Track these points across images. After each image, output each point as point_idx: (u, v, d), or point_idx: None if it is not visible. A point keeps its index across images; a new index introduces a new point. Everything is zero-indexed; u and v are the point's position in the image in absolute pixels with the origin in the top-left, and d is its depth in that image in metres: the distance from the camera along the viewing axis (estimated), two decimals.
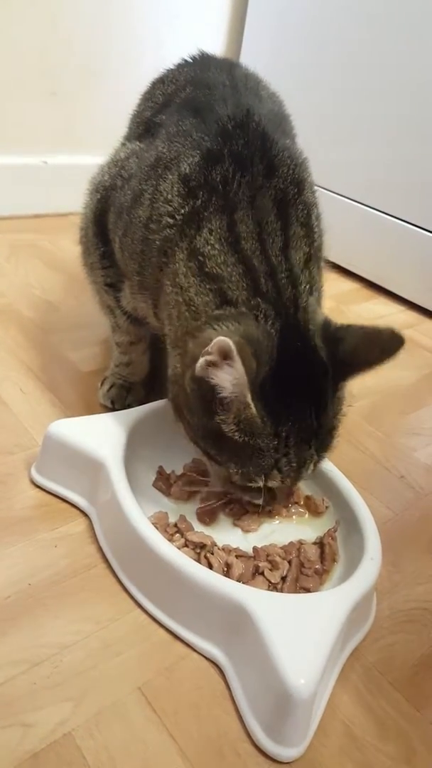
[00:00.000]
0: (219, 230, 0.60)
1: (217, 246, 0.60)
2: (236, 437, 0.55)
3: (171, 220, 0.62)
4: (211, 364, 0.53)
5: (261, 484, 0.57)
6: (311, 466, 0.59)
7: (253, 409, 0.54)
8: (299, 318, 0.59)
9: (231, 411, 0.54)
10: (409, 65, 1.28)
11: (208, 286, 0.59)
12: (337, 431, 0.60)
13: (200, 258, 0.60)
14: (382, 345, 0.56)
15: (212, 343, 0.52)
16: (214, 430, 0.56)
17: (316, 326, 0.59)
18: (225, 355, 0.51)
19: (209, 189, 0.61)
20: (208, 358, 0.53)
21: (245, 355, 0.51)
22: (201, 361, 0.53)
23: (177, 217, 0.62)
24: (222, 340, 0.51)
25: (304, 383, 0.56)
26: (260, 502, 0.61)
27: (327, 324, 0.60)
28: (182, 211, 0.62)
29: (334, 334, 0.58)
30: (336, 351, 0.57)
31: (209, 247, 0.60)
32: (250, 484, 0.58)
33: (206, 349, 0.53)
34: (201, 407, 0.57)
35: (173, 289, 0.62)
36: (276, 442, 0.55)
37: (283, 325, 0.57)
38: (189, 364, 0.58)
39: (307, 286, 0.61)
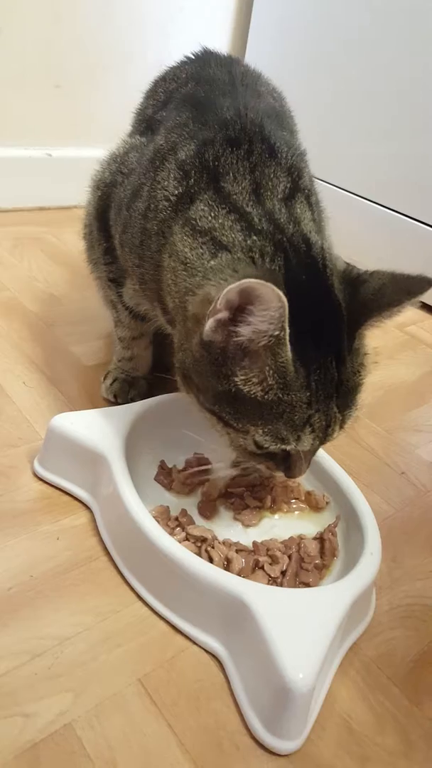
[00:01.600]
0: (210, 198, 0.58)
1: (206, 208, 0.58)
2: (260, 395, 0.50)
3: (166, 203, 0.62)
4: (222, 323, 0.49)
5: (293, 445, 0.52)
6: (337, 426, 0.54)
7: (288, 353, 0.49)
8: (313, 254, 0.54)
9: (255, 365, 0.50)
10: (415, 60, 1.28)
11: (200, 240, 0.57)
12: (359, 391, 0.55)
13: (192, 221, 0.58)
14: (408, 286, 0.52)
15: (219, 299, 0.47)
16: (231, 393, 0.52)
17: (336, 267, 0.54)
18: (245, 301, 0.47)
19: (202, 168, 0.60)
20: (218, 316, 0.48)
21: (259, 293, 0.46)
22: (210, 322, 0.49)
23: (172, 198, 0.62)
24: (235, 286, 0.46)
25: (322, 328, 0.51)
26: (280, 472, 0.57)
27: (349, 268, 0.55)
28: (176, 192, 0.61)
29: (358, 276, 0.54)
30: (357, 293, 0.53)
31: (200, 211, 0.58)
32: (280, 446, 0.53)
33: (212, 307, 0.49)
34: (212, 371, 0.53)
35: (170, 258, 0.60)
36: (308, 394, 0.50)
37: (290, 262, 0.53)
38: (192, 327, 0.54)
39: (315, 232, 0.57)
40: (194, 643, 0.58)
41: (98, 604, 0.59)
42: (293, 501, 0.72)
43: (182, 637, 0.58)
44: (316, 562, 0.64)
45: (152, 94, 0.85)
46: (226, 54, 0.83)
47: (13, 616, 0.57)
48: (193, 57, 0.82)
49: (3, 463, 0.73)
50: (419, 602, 0.67)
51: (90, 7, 1.36)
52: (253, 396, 0.51)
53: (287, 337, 0.48)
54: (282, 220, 0.56)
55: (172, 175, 0.63)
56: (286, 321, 0.47)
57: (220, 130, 0.62)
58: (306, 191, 0.62)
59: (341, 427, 0.55)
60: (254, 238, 0.54)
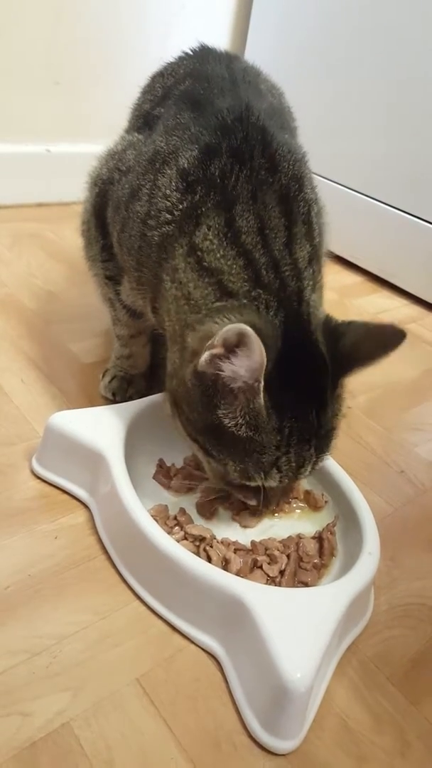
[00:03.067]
0: (217, 226, 0.59)
1: (215, 241, 0.59)
2: (239, 431, 0.54)
3: (169, 216, 0.62)
4: (216, 357, 0.52)
5: (259, 482, 0.56)
6: (309, 467, 0.58)
7: (261, 400, 0.53)
8: (302, 311, 0.58)
9: (238, 402, 0.54)
10: (415, 57, 1.27)
11: (207, 280, 0.59)
12: (336, 432, 0.60)
13: (199, 253, 0.59)
14: (384, 340, 0.56)
15: (218, 335, 0.51)
16: (214, 424, 0.56)
17: (318, 322, 0.58)
18: (237, 343, 0.50)
19: (207, 184, 0.60)
20: (214, 351, 0.52)
21: (252, 342, 0.50)
22: (206, 355, 0.52)
23: (175, 213, 0.62)
24: (234, 327, 0.49)
25: (306, 379, 0.56)
26: (254, 502, 0.60)
27: (328, 320, 0.59)
28: (180, 206, 0.61)
29: (336, 329, 0.58)
30: (337, 346, 0.56)
31: (208, 242, 0.59)
32: (247, 483, 0.57)
33: (210, 342, 0.52)
34: (202, 402, 0.56)
35: (172, 284, 0.61)
36: (279, 438, 0.55)
37: (287, 317, 0.56)
38: (189, 358, 0.57)
39: (311, 283, 0.60)
40: (192, 642, 0.58)
41: (96, 603, 0.59)
42: (292, 500, 0.72)
43: (180, 637, 0.58)
44: (315, 561, 0.64)
45: (149, 89, 0.84)
46: (224, 50, 0.83)
47: (11, 615, 0.56)
48: (191, 53, 0.82)
49: (1, 462, 0.73)
50: (417, 602, 0.67)
51: (90, 4, 1.35)
52: (232, 431, 0.55)
53: (261, 388, 0.52)
54: (286, 275, 0.59)
55: (173, 185, 0.62)
56: (262, 375, 0.51)
57: (223, 136, 0.62)
58: (306, 209, 0.63)
59: (314, 467, 0.59)
60: (259, 291, 0.57)
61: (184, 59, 0.82)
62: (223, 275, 0.58)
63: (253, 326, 0.52)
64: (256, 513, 0.67)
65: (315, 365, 0.56)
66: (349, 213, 1.43)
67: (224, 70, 0.74)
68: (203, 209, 0.60)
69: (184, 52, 0.83)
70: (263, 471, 0.56)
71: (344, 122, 1.44)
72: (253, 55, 1.57)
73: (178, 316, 0.61)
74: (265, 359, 0.50)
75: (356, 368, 0.57)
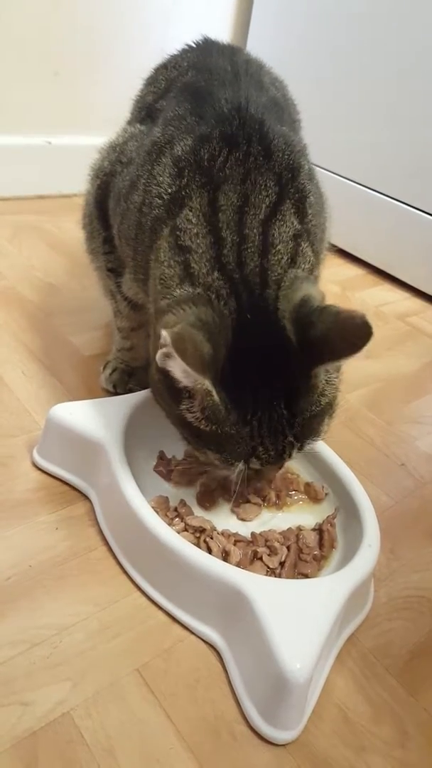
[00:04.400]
0: (199, 206, 0.58)
1: (194, 220, 0.58)
2: (204, 427, 0.54)
3: (160, 201, 0.62)
4: (167, 356, 0.51)
5: (242, 467, 0.56)
6: (293, 451, 0.56)
7: (215, 397, 0.52)
8: (266, 296, 0.55)
9: (196, 399, 0.53)
10: (417, 48, 1.26)
11: (177, 259, 0.58)
12: (324, 417, 0.57)
13: (178, 233, 0.59)
14: (351, 336, 0.51)
15: (162, 336, 0.50)
16: (182, 417, 0.55)
17: (290, 305, 0.55)
18: (168, 351, 0.50)
19: (195, 167, 0.60)
20: (164, 350, 0.51)
21: (188, 345, 0.49)
22: (159, 353, 0.52)
23: (165, 197, 0.61)
24: (164, 335, 0.49)
25: (270, 369, 0.53)
26: (244, 480, 0.58)
27: (303, 303, 0.55)
28: (170, 190, 0.61)
29: (307, 316, 0.54)
30: (306, 335, 0.53)
31: (187, 222, 0.58)
32: (232, 468, 0.56)
33: (160, 341, 0.51)
34: (169, 396, 0.56)
35: (155, 264, 0.61)
36: (248, 430, 0.53)
37: (242, 304, 0.54)
38: (154, 350, 0.55)
39: (286, 258, 0.57)
40: (192, 633, 0.58)
41: (97, 594, 0.59)
42: (292, 492, 0.72)
43: (180, 627, 0.58)
44: (315, 553, 0.64)
45: (153, 81, 0.84)
46: (227, 43, 0.82)
47: (12, 606, 0.57)
48: (194, 45, 0.81)
49: (2, 453, 0.73)
50: (417, 594, 0.67)
51: None
52: (196, 426, 0.54)
53: (209, 387, 0.51)
54: (249, 251, 0.57)
55: (167, 171, 0.62)
56: (204, 377, 0.50)
57: (217, 125, 0.62)
58: (297, 195, 0.61)
59: (301, 450, 0.57)
60: (216, 275, 0.56)
61: (187, 52, 0.81)
62: (191, 254, 0.57)
63: (203, 321, 0.52)
64: (252, 489, 0.66)
65: (280, 355, 0.53)
66: (351, 205, 1.42)
67: (227, 62, 0.74)
68: (187, 191, 0.60)
69: (187, 45, 0.82)
70: (243, 459, 0.55)
71: (346, 113, 1.43)
72: (255, 44, 1.56)
73: (155, 299, 0.60)
74: (200, 362, 0.49)
75: (326, 362, 0.54)
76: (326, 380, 0.56)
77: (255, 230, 0.58)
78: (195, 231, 0.58)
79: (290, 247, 0.58)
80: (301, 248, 0.59)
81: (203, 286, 0.55)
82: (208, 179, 0.59)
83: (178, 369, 0.51)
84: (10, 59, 1.30)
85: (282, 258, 0.58)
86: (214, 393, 0.52)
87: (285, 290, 0.56)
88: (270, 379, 0.53)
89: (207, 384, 0.51)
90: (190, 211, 0.59)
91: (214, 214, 0.58)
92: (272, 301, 0.55)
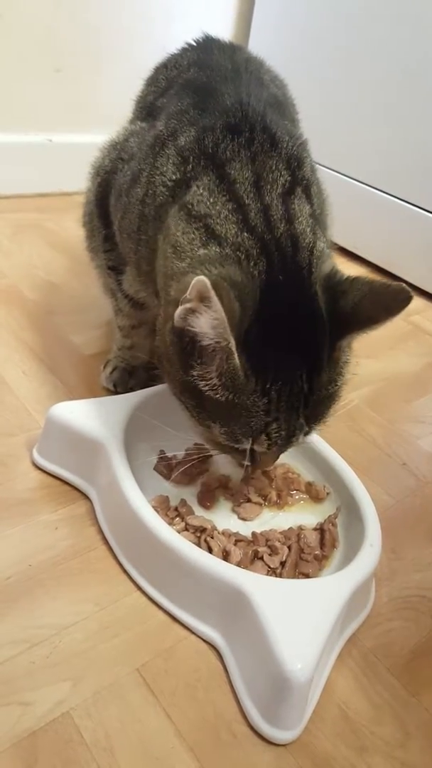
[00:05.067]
0: (208, 182, 0.57)
1: (205, 193, 0.57)
2: (216, 395, 0.50)
3: (164, 189, 0.62)
4: (190, 312, 0.48)
5: (247, 446, 0.53)
6: (301, 435, 0.54)
7: (236, 360, 0.49)
8: (299, 260, 0.53)
9: (213, 363, 0.50)
10: (418, 46, 1.25)
11: (194, 225, 0.56)
12: (335, 401, 0.55)
13: (189, 206, 0.57)
14: (387, 301, 0.50)
15: (190, 287, 0.47)
16: (192, 385, 0.52)
17: (321, 273, 0.53)
18: (202, 297, 0.47)
19: (200, 154, 0.60)
20: (187, 305, 0.48)
21: (224, 293, 0.46)
22: (180, 309, 0.49)
23: (169, 184, 0.61)
24: (198, 280, 0.46)
25: (298, 337, 0.51)
26: (244, 462, 0.56)
27: (332, 273, 0.53)
28: (174, 177, 0.61)
29: (338, 285, 0.52)
30: (337, 304, 0.51)
31: (198, 195, 0.57)
32: (235, 445, 0.54)
33: (185, 295, 0.48)
34: (180, 361, 0.53)
35: (163, 240, 0.59)
36: (266, 402, 0.50)
37: (274, 265, 0.52)
38: (171, 312, 0.53)
39: (309, 230, 0.55)
40: (193, 632, 0.58)
41: (97, 594, 0.59)
42: (294, 492, 0.72)
43: (181, 627, 0.58)
44: (316, 553, 0.64)
45: (153, 81, 0.84)
46: (228, 41, 0.82)
47: (12, 605, 0.57)
48: (194, 44, 0.81)
49: (2, 452, 0.73)
50: (418, 593, 0.67)
51: None
52: (210, 394, 0.51)
53: (232, 348, 0.48)
54: (275, 218, 0.55)
55: (171, 161, 0.62)
56: (230, 334, 0.47)
57: (220, 116, 0.61)
58: (305, 182, 0.61)
59: (307, 435, 0.55)
60: (245, 234, 0.53)
61: (187, 50, 0.81)
62: (210, 218, 0.55)
63: (229, 279, 0.49)
64: (246, 475, 0.64)
65: (309, 323, 0.51)
66: (352, 204, 1.42)
67: (227, 60, 0.74)
68: (193, 173, 0.59)
69: (187, 44, 0.82)
70: (251, 435, 0.52)
71: (348, 111, 1.42)
72: (256, 41, 1.56)
73: (165, 269, 0.58)
74: (231, 316, 0.47)
75: (356, 331, 0.51)
76: (346, 358, 0.54)
77: (277, 201, 0.56)
78: (211, 200, 0.56)
79: (311, 222, 0.57)
80: (316, 227, 0.58)
81: (231, 246, 0.53)
82: (213, 161, 0.59)
83: (207, 321, 0.47)
84: (11, 56, 1.30)
85: (305, 228, 0.56)
86: (235, 355, 0.49)
87: (316, 259, 0.54)
88: (296, 348, 0.51)
89: (231, 344, 0.48)
90: (199, 187, 0.57)
91: (231, 185, 0.56)
92: (306, 266, 0.53)
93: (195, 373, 0.52)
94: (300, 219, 0.56)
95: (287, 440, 0.54)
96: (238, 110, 0.62)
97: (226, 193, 0.56)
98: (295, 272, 0.53)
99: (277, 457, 0.59)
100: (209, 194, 0.57)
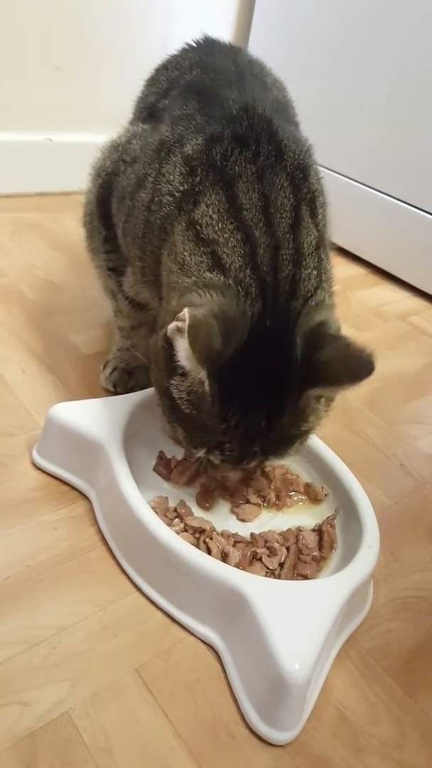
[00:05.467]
0: (217, 202, 0.58)
1: (215, 215, 0.58)
2: (185, 407, 0.55)
3: (170, 198, 0.62)
4: (176, 331, 0.52)
5: (202, 454, 0.57)
6: (254, 463, 0.58)
7: (207, 387, 0.52)
8: (291, 306, 0.55)
9: (188, 381, 0.54)
10: (420, 47, 1.25)
11: (202, 249, 0.57)
12: (298, 441, 0.58)
13: (197, 227, 0.58)
14: (354, 368, 0.52)
15: (183, 311, 0.50)
16: (168, 390, 0.56)
17: (308, 324, 0.55)
18: (180, 330, 0.50)
19: (208, 166, 0.60)
20: (179, 324, 0.51)
21: (200, 334, 0.49)
22: (172, 324, 0.52)
23: (176, 194, 0.61)
24: (186, 313, 0.49)
25: (267, 379, 0.54)
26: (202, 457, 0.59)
27: (320, 325, 0.55)
28: (181, 188, 0.61)
29: (319, 339, 0.54)
30: (312, 356, 0.54)
31: (207, 217, 0.58)
32: (192, 450, 0.58)
33: (179, 315, 0.51)
34: (166, 367, 0.56)
35: (169, 257, 0.61)
36: (224, 427, 0.54)
37: (267, 309, 0.54)
38: (168, 321, 0.55)
39: (315, 273, 0.58)
40: (191, 633, 0.58)
41: (96, 594, 0.59)
42: (292, 493, 0.72)
43: (179, 628, 0.58)
44: (315, 554, 0.64)
45: (154, 81, 0.83)
46: (228, 42, 0.82)
47: (11, 606, 0.57)
48: (194, 45, 0.81)
49: (1, 452, 0.73)
50: (416, 594, 0.67)
51: None
52: (177, 402, 0.55)
53: (204, 378, 0.52)
54: (284, 258, 0.57)
55: (177, 170, 0.62)
56: (204, 366, 0.51)
57: (228, 125, 0.62)
58: (309, 196, 0.62)
59: (260, 465, 0.59)
60: (248, 272, 0.55)
61: (188, 52, 0.81)
62: (218, 246, 0.57)
63: (225, 313, 0.52)
64: (208, 476, 0.67)
65: (282, 368, 0.54)
66: (352, 204, 1.42)
67: (230, 62, 0.74)
68: (201, 188, 0.60)
69: (188, 44, 0.82)
70: (207, 448, 0.56)
71: (347, 112, 1.42)
72: (257, 41, 1.56)
73: (169, 281, 0.60)
74: (205, 351, 0.50)
75: (321, 386, 0.54)
76: (314, 408, 0.56)
77: (287, 236, 0.58)
78: (220, 226, 0.57)
79: (315, 260, 0.59)
80: (322, 261, 0.60)
81: (234, 279, 0.55)
82: (221, 177, 0.59)
83: (183, 351, 0.51)
84: (10, 54, 1.30)
85: (311, 272, 0.58)
86: (206, 384, 0.52)
87: (309, 308, 0.56)
88: (265, 389, 0.54)
89: (203, 375, 0.52)
90: (207, 207, 0.59)
91: (238, 212, 0.58)
92: (294, 315, 0.55)
93: (173, 382, 0.55)
94: (307, 261, 0.58)
95: (239, 461, 0.57)
96: (244, 118, 0.62)
97: (234, 220, 0.57)
98: (283, 318, 0.55)
99: (236, 471, 0.62)
100: (218, 218, 0.58)
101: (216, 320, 0.51)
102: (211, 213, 0.58)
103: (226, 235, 0.57)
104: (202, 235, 0.58)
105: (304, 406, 0.55)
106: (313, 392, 0.54)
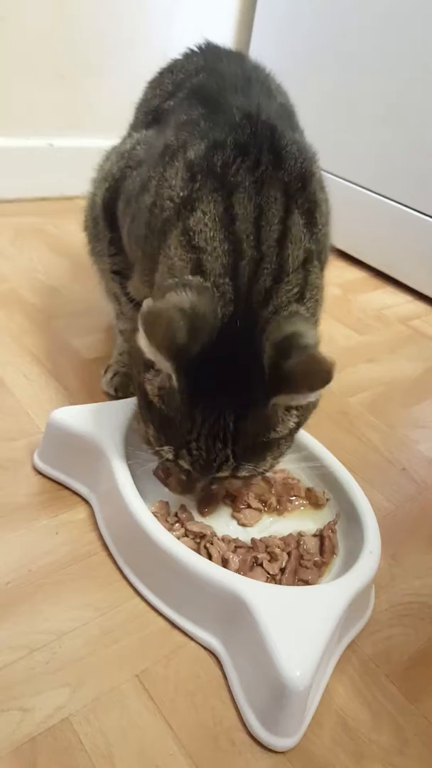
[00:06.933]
0: (213, 211, 0.59)
1: (209, 224, 0.59)
2: (155, 401, 0.56)
3: (170, 203, 0.62)
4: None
5: (170, 457, 0.57)
6: (224, 467, 0.57)
7: (174, 382, 0.54)
8: (261, 315, 0.56)
9: (158, 375, 0.55)
10: (422, 51, 1.26)
11: (190, 255, 0.59)
12: (270, 451, 0.58)
13: (191, 233, 0.59)
14: (312, 377, 0.53)
15: (142, 306, 0.52)
16: (143, 386, 0.57)
17: (278, 333, 0.55)
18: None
19: (208, 173, 0.60)
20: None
21: (156, 322, 0.51)
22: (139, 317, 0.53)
23: (176, 200, 0.62)
24: (144, 304, 0.51)
25: (234, 382, 0.54)
26: (181, 476, 0.61)
27: (291, 336, 0.56)
28: (181, 194, 0.62)
29: (287, 348, 0.55)
30: (278, 365, 0.54)
31: (201, 225, 0.59)
32: (160, 452, 0.58)
33: (141, 308, 0.53)
34: (142, 361, 0.57)
35: (163, 260, 0.62)
36: (189, 424, 0.55)
37: (237, 314, 0.55)
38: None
39: (295, 290, 0.59)
40: (192, 639, 0.58)
41: (97, 600, 0.59)
42: (293, 498, 0.72)
43: (180, 634, 0.58)
44: (316, 559, 0.64)
45: (158, 84, 0.84)
46: (229, 48, 0.82)
47: (12, 611, 0.57)
48: (198, 50, 0.81)
49: (2, 457, 0.73)
50: (418, 600, 0.67)
51: None
52: (150, 398, 0.56)
53: (171, 371, 0.53)
54: (265, 271, 0.57)
55: (179, 175, 0.62)
56: (170, 359, 0.52)
57: (231, 132, 0.62)
58: (308, 205, 0.62)
59: (234, 473, 0.57)
60: (227, 280, 0.57)
61: (192, 56, 0.81)
62: (204, 254, 0.58)
63: (197, 311, 0.53)
64: (184, 488, 0.66)
65: (249, 373, 0.54)
66: (354, 208, 1.42)
67: (237, 68, 0.74)
68: (199, 194, 0.60)
69: (190, 49, 0.82)
70: (173, 446, 0.56)
71: (349, 116, 1.43)
72: (258, 44, 1.56)
73: (159, 282, 0.61)
74: (168, 344, 0.51)
75: (283, 393, 0.54)
76: (282, 416, 0.57)
77: (272, 249, 0.58)
78: (210, 234, 0.58)
79: (300, 277, 0.59)
80: (310, 276, 0.60)
81: (213, 283, 0.57)
82: (221, 185, 0.60)
83: (141, 339, 0.53)
84: (13, 61, 1.30)
85: (292, 289, 0.59)
86: (174, 378, 0.54)
87: (280, 319, 0.57)
88: (233, 391, 0.55)
89: (169, 368, 0.53)
90: (203, 214, 0.59)
91: (231, 222, 0.58)
92: (263, 323, 0.56)
93: (147, 376, 0.57)
94: (289, 276, 0.59)
95: (208, 463, 0.57)
96: (247, 126, 0.62)
97: (225, 230, 0.58)
98: (253, 325, 0.56)
99: (209, 482, 0.61)
100: (211, 226, 0.59)
101: (182, 314, 0.52)
102: (205, 221, 0.59)
103: (214, 245, 0.58)
104: (193, 243, 0.59)
105: (271, 414, 0.56)
106: (279, 399, 0.55)
